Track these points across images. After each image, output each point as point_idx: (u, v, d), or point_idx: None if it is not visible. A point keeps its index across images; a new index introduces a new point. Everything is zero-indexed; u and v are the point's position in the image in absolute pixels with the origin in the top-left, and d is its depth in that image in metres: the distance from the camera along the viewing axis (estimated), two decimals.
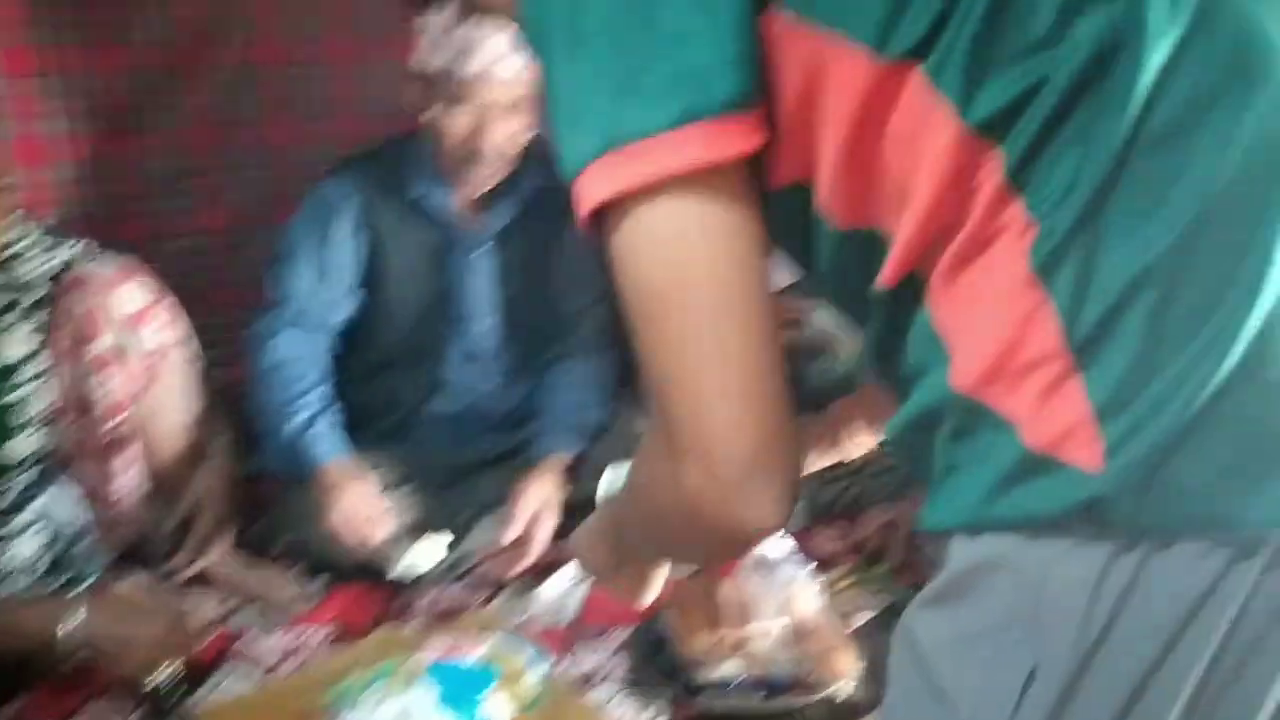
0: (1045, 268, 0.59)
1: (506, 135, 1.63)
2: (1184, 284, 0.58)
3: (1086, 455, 0.58)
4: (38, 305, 1.44)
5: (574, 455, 1.72)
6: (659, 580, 1.06)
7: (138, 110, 1.89)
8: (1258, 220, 0.58)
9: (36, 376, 1.42)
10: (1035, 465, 0.60)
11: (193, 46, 1.93)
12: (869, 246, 0.66)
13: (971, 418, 0.62)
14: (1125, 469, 0.58)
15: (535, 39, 0.65)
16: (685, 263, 0.61)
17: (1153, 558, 0.59)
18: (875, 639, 1.34)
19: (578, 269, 1.84)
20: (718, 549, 0.83)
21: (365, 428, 1.72)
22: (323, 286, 1.70)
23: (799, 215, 0.68)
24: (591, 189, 0.61)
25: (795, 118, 0.64)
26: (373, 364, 1.70)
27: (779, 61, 0.62)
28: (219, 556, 1.55)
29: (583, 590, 1.57)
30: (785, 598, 1.33)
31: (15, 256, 1.44)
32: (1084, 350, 0.58)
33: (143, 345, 1.47)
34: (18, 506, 1.44)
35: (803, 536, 1.58)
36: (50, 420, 1.44)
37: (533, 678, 1.30)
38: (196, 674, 1.34)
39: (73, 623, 1.25)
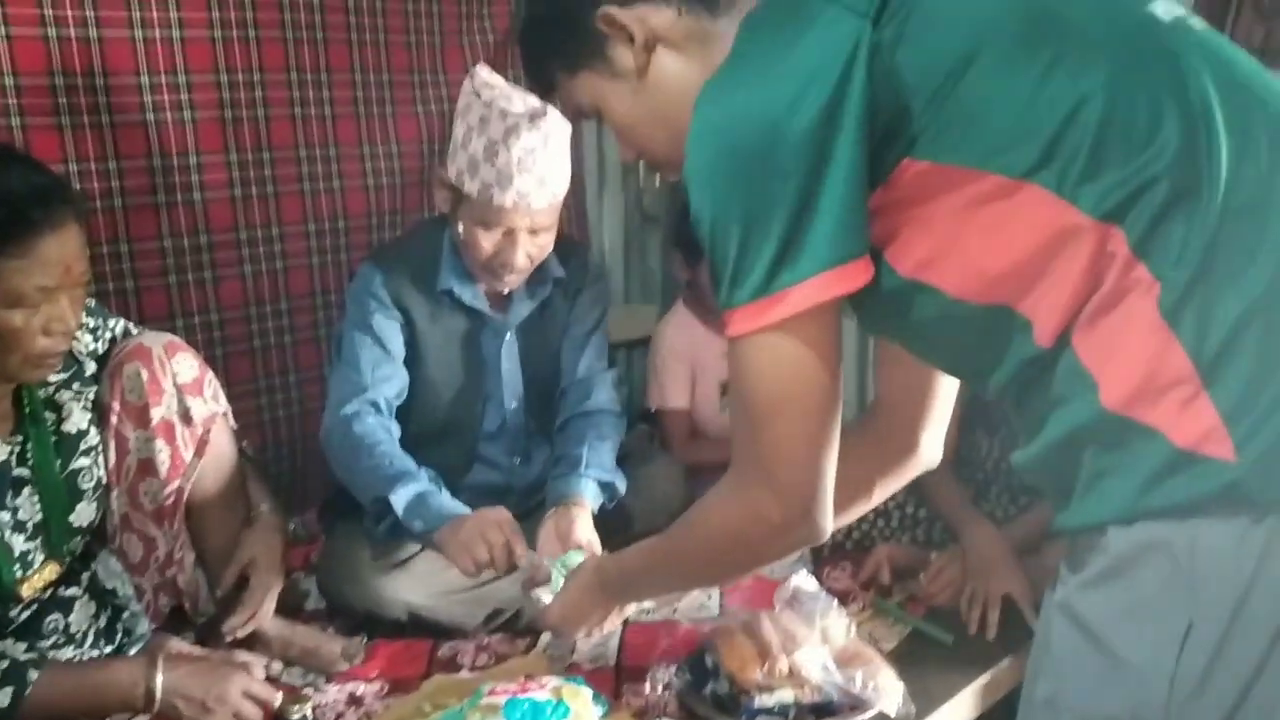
0: (1171, 314, 0.78)
1: (532, 252, 1.73)
2: None
3: (1221, 450, 0.76)
4: (91, 380, 1.50)
5: (595, 506, 1.77)
6: (617, 621, 1.43)
7: (158, 191, 1.97)
8: None
9: (91, 449, 1.47)
10: (1181, 461, 0.78)
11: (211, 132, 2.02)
12: (999, 318, 0.86)
13: (1121, 430, 0.80)
14: (1254, 459, 0.76)
15: (693, 195, 0.86)
16: (800, 375, 0.89)
17: None
18: (904, 662, 1.46)
19: (588, 338, 1.95)
20: (764, 559, 1.09)
21: None
22: (384, 368, 1.77)
23: (914, 302, 0.88)
24: (738, 325, 0.88)
25: (933, 229, 0.84)
26: (411, 441, 1.77)
27: (918, 192, 0.84)
28: (269, 617, 1.60)
29: (618, 634, 1.66)
30: (822, 628, 1.44)
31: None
32: (1208, 373, 0.77)
33: (196, 414, 1.53)
34: (69, 578, 1.47)
35: (815, 575, 1.70)
36: (102, 491, 1.49)
37: (596, 715, 1.38)
38: None
39: (160, 678, 1.29)
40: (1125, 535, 0.82)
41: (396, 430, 1.76)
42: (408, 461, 1.69)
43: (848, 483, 1.09)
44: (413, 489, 1.65)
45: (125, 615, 1.58)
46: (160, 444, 1.50)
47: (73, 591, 1.48)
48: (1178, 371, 0.78)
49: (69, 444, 1.44)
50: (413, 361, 1.82)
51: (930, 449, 1.19)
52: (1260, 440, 0.76)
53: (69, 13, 1.80)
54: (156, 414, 1.50)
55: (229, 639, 1.56)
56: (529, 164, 1.64)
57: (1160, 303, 0.78)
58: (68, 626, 1.46)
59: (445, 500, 1.66)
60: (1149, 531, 0.81)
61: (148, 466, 1.52)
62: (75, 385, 1.47)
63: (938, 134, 0.82)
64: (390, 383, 1.78)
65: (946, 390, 1.16)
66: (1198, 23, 0.88)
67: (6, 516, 1.35)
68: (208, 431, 1.56)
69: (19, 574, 1.35)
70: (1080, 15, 0.84)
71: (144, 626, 1.58)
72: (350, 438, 1.71)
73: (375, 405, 1.75)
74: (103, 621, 1.52)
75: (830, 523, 0.97)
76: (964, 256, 0.84)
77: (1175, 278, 0.78)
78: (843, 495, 1.00)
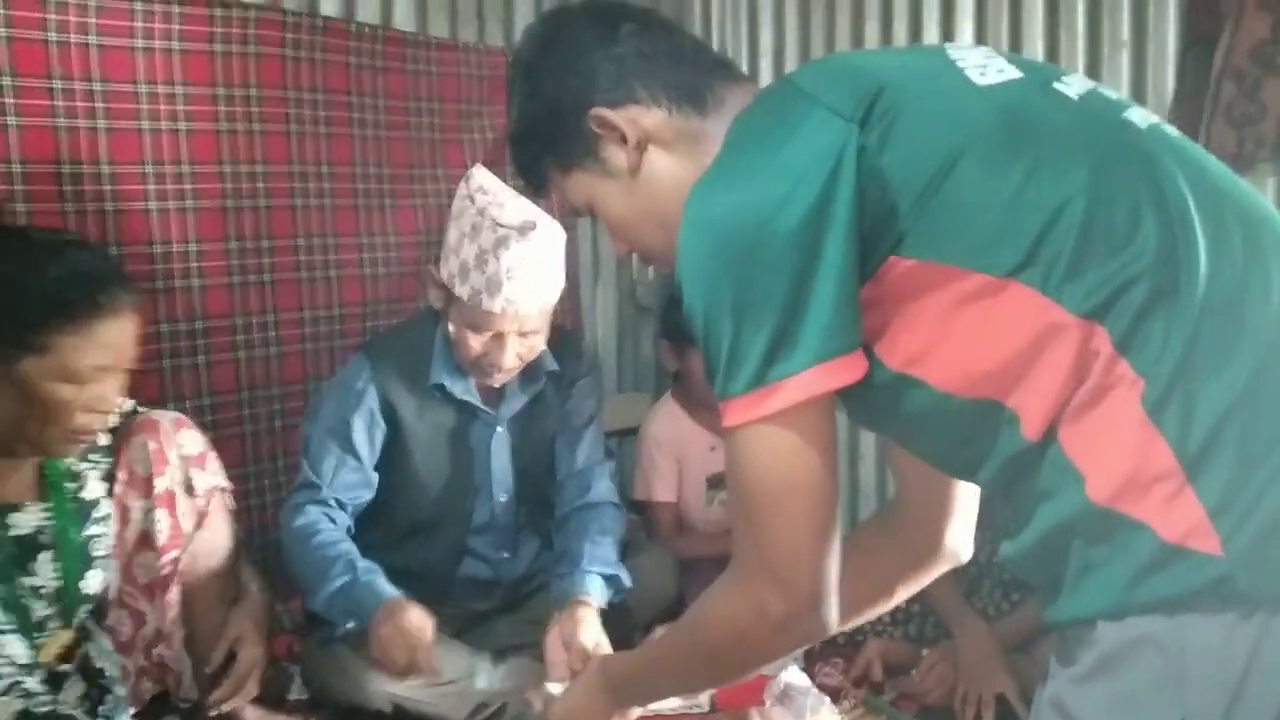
0: (1154, 410, 0.80)
1: (521, 352, 1.75)
2: (1262, 411, 0.79)
3: (1208, 545, 0.77)
4: (105, 451, 1.52)
5: (602, 603, 1.75)
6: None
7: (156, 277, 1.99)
8: None
9: (104, 517, 1.49)
10: (1169, 555, 0.78)
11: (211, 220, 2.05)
12: (987, 412, 0.87)
13: (1108, 523, 0.81)
14: (1240, 553, 0.77)
15: (686, 289, 0.87)
16: (797, 466, 0.88)
17: (1272, 620, 0.77)
18: None
19: (584, 430, 1.95)
20: (770, 655, 1.03)
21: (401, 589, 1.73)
22: (346, 473, 1.77)
23: (904, 395, 0.89)
24: (733, 416, 0.87)
25: (921, 325, 0.85)
26: (400, 533, 1.77)
27: (905, 289, 0.85)
28: (253, 697, 1.57)
29: None
30: None
31: None
32: (1192, 468, 0.78)
33: (198, 485, 1.55)
34: (62, 656, 1.45)
35: (806, 670, 1.68)
36: (106, 562, 1.49)
37: None
38: None
39: None
40: (1115, 630, 0.82)
41: (342, 518, 1.75)
42: (339, 547, 1.68)
43: (869, 582, 1.07)
44: (330, 587, 1.64)
45: (108, 699, 1.55)
46: (161, 514, 1.51)
47: (66, 667, 1.46)
48: (1162, 466, 0.79)
49: (85, 510, 1.46)
50: (400, 456, 1.81)
51: (957, 544, 1.15)
52: (1246, 534, 0.77)
53: (78, 104, 1.84)
54: (160, 484, 1.52)
55: (213, 713, 1.54)
56: (519, 273, 1.64)
57: (1144, 399, 0.79)
58: (56, 703, 1.43)
59: (365, 590, 1.63)
60: (1138, 627, 0.81)
61: (146, 539, 1.52)
62: (92, 456, 1.50)
63: (923, 233, 0.84)
64: (351, 489, 1.77)
65: (969, 484, 1.12)
66: (1171, 130, 0.91)
67: (28, 582, 1.36)
68: (208, 503, 1.57)
69: (38, 640, 1.36)
70: (1060, 121, 0.87)
71: (125, 714, 1.55)
72: (289, 531, 1.73)
73: (324, 500, 1.75)
74: (87, 705, 1.49)
75: (835, 615, 0.93)
76: (952, 353, 0.86)
77: (1158, 374, 0.79)
78: (863, 594, 0.97)
